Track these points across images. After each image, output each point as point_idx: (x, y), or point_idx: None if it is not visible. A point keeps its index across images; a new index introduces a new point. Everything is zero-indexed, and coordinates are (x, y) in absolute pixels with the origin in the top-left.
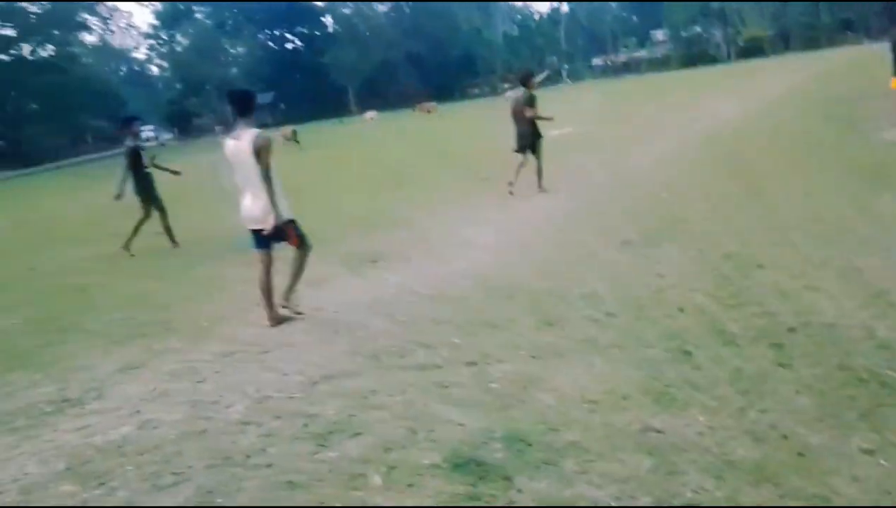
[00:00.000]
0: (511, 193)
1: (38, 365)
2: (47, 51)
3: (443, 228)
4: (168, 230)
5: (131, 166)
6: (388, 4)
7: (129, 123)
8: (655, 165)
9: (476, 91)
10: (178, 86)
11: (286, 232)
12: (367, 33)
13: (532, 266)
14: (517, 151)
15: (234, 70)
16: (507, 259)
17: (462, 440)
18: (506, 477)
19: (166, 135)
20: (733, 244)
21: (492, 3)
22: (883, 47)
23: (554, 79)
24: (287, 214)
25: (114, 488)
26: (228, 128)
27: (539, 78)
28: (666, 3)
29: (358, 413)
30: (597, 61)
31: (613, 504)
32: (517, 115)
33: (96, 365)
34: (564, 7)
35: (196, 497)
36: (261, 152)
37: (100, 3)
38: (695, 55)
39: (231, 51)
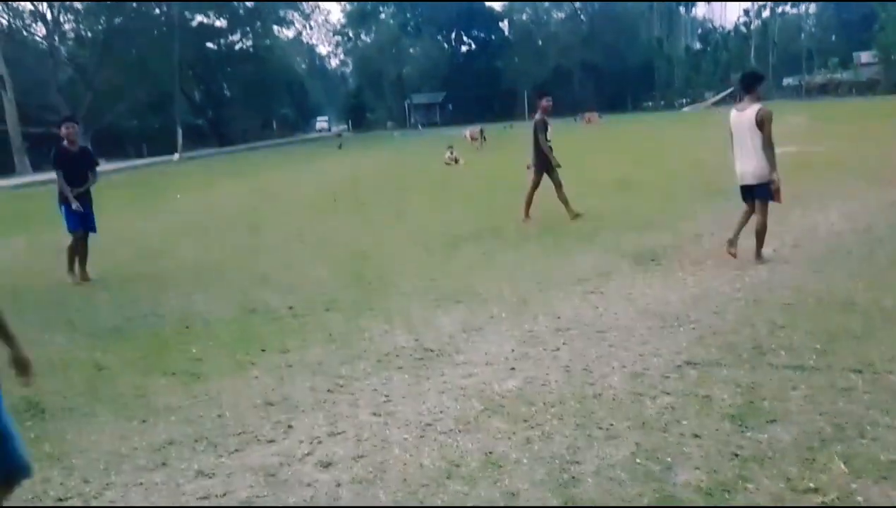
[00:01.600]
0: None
1: (386, 313)
2: (249, 41)
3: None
4: (565, 202)
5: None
6: (566, 12)
7: (541, 96)
8: None
9: (650, 104)
10: (357, 81)
11: (770, 189)
12: (542, 40)
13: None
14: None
15: (410, 69)
16: (809, 267)
17: None
18: None
19: (341, 127)
20: None
21: (675, 15)
22: None
23: (738, 96)
24: (775, 175)
25: (548, 433)
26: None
27: (718, 96)
28: (879, 22)
29: (755, 400)
30: (788, 81)
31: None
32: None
33: (440, 323)
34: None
35: (638, 454)
36: (763, 122)
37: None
38: None
39: (410, 50)
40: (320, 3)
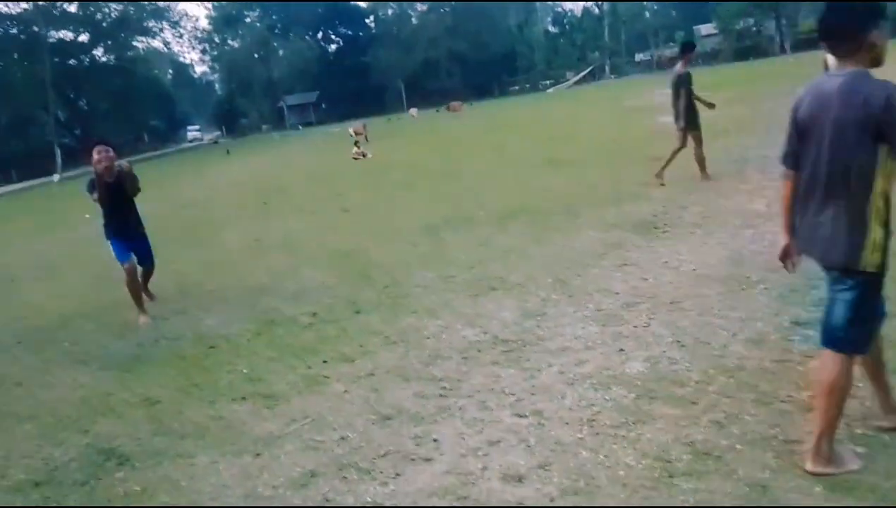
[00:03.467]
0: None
1: (426, 309)
2: (113, 54)
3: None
4: (701, 161)
5: (681, 94)
6: (428, 4)
7: (686, 50)
8: None
9: (517, 88)
10: (227, 87)
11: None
12: (408, 33)
13: None
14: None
15: (280, 70)
16: None
17: None
18: None
19: (215, 133)
20: None
21: (531, 3)
22: None
23: (597, 74)
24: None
25: (735, 413)
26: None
27: (579, 75)
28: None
29: None
30: (640, 56)
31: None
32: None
33: (494, 312)
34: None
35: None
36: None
37: (171, 3)
38: (747, 49)
39: (279, 52)
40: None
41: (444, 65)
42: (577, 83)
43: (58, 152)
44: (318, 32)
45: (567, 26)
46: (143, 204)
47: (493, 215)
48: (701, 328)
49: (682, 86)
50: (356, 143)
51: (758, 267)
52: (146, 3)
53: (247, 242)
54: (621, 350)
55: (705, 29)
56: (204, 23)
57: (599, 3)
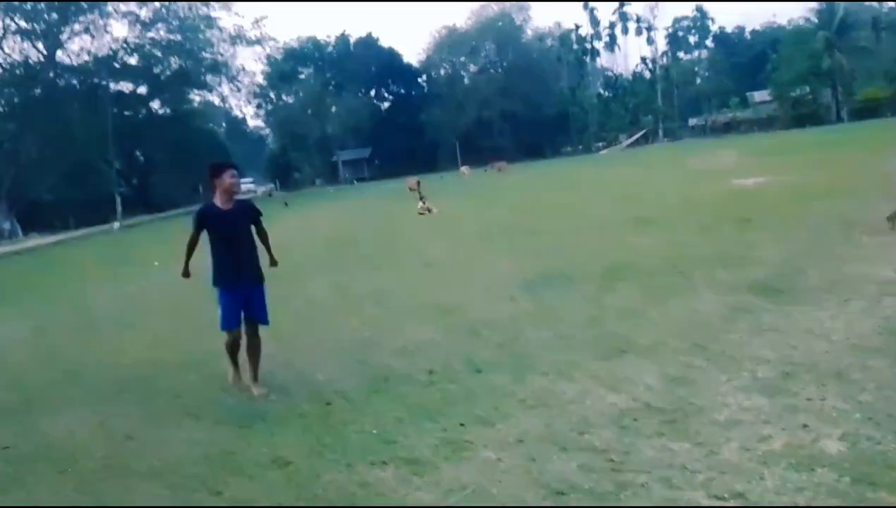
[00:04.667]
0: None
1: (554, 369)
2: (170, 106)
3: None
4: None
5: None
6: (479, 64)
7: None
8: None
9: (569, 149)
10: (281, 140)
11: None
12: (461, 93)
13: None
14: None
15: (333, 126)
16: None
17: None
18: None
19: (269, 186)
20: None
21: (583, 65)
22: None
23: (650, 138)
24: None
25: None
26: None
27: (632, 138)
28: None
29: None
30: (693, 121)
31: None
32: None
33: (633, 376)
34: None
35: None
36: None
37: (230, 58)
38: (803, 116)
39: (332, 108)
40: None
41: (496, 124)
42: (630, 146)
43: (118, 200)
44: (370, 90)
45: (619, 90)
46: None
47: (592, 273)
48: (888, 403)
49: None
50: (421, 198)
51: None
52: (204, 58)
53: (333, 294)
54: (805, 426)
55: (759, 96)
56: (259, 78)
57: (651, 67)
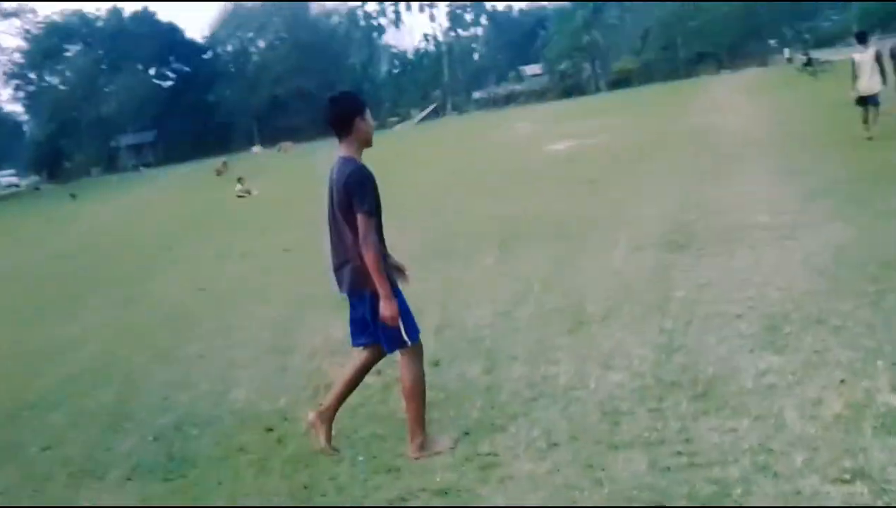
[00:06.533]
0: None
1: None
2: None
3: None
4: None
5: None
6: (267, 40)
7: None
8: None
9: None
10: (46, 127)
11: None
12: (253, 70)
13: None
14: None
15: (109, 109)
16: None
17: None
18: None
19: (33, 179)
20: None
21: (373, 42)
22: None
23: (440, 112)
24: None
25: None
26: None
27: (424, 113)
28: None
29: None
30: (477, 95)
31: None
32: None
33: None
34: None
35: None
36: None
37: None
38: (570, 87)
39: (105, 89)
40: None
41: (292, 103)
42: (422, 120)
43: None
44: (150, 68)
45: (408, 66)
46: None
47: (481, 245)
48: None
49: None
50: (239, 180)
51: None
52: None
53: (191, 293)
54: (843, 381)
55: (531, 70)
56: (17, 56)
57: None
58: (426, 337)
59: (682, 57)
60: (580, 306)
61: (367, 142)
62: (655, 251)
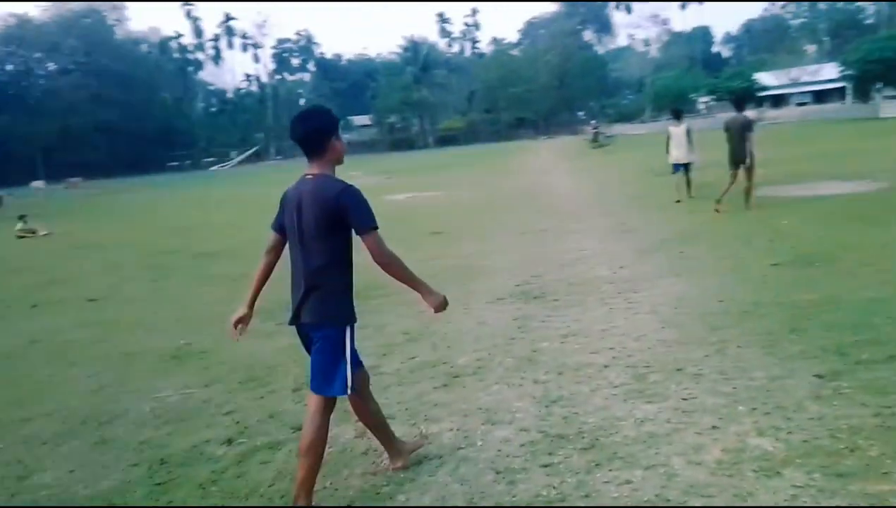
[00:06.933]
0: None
1: None
2: None
3: None
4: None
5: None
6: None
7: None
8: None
9: (176, 164)
10: None
11: None
12: (38, 97)
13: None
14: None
15: None
16: None
17: None
18: None
19: None
20: None
21: (189, 77)
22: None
23: (262, 155)
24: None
25: None
26: None
27: (244, 155)
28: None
29: None
30: None
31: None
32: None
33: None
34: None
35: None
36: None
37: None
38: (399, 141)
39: None
40: None
41: (90, 136)
42: (241, 163)
43: None
44: None
45: (228, 105)
46: None
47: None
48: (754, 391)
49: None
50: (21, 218)
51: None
52: None
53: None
54: (714, 427)
55: (359, 120)
56: None
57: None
58: (283, 398)
59: (504, 120)
60: (450, 359)
61: (340, 161)
62: (514, 301)
